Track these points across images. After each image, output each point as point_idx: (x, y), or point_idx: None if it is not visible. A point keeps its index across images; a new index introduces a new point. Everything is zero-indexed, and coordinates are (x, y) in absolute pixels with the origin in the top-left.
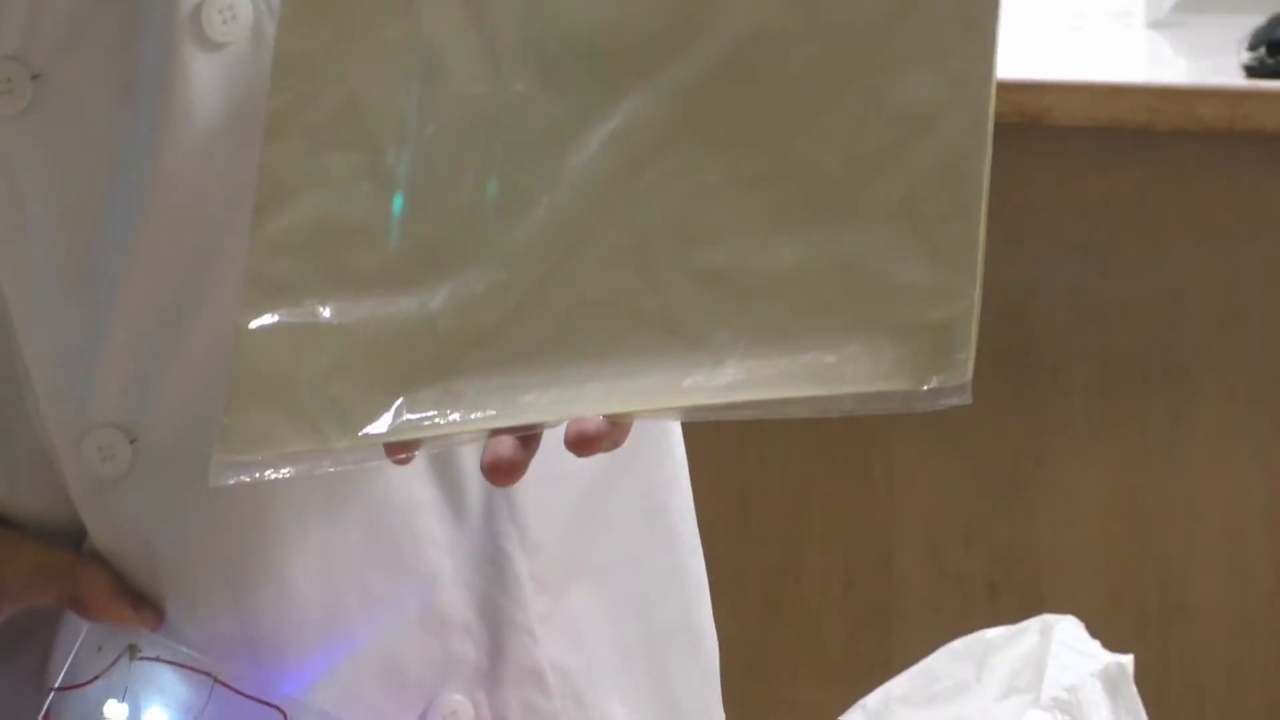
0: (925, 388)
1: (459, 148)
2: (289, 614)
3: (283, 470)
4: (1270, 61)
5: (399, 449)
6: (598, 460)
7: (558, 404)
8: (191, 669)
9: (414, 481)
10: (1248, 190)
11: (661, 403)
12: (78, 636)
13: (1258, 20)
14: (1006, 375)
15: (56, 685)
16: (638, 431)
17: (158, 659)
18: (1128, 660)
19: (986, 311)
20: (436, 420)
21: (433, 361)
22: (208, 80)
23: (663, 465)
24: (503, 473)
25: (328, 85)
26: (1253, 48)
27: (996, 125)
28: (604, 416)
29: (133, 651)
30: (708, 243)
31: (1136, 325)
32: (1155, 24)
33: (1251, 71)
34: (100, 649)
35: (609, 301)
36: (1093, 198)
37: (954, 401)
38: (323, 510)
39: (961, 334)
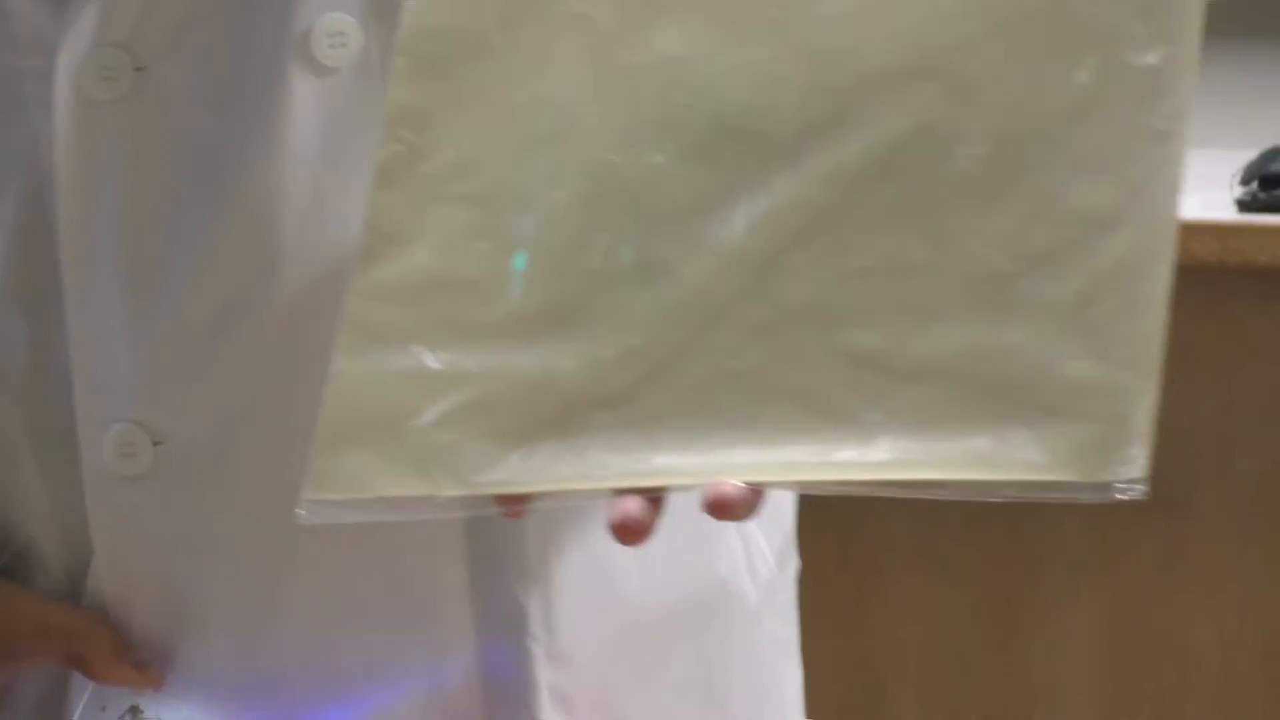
0: (1098, 480)
1: (589, 213)
2: (288, 652)
3: (379, 515)
4: (1263, 196)
5: (513, 501)
6: (658, 610)
7: (698, 469)
8: None
9: (446, 559)
10: (1239, 324)
11: (811, 475)
12: (83, 696)
13: (1250, 155)
14: (1000, 507)
15: None
16: (708, 605)
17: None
18: None
19: None
20: (562, 474)
21: (556, 418)
22: (308, 103)
23: (727, 651)
24: (633, 532)
25: (443, 140)
26: (1245, 182)
27: None
28: (748, 484)
29: (135, 712)
30: (859, 324)
31: None
32: None
33: (1244, 206)
34: (104, 709)
35: (751, 374)
36: None
37: (1129, 496)
38: (343, 560)
39: (1138, 428)
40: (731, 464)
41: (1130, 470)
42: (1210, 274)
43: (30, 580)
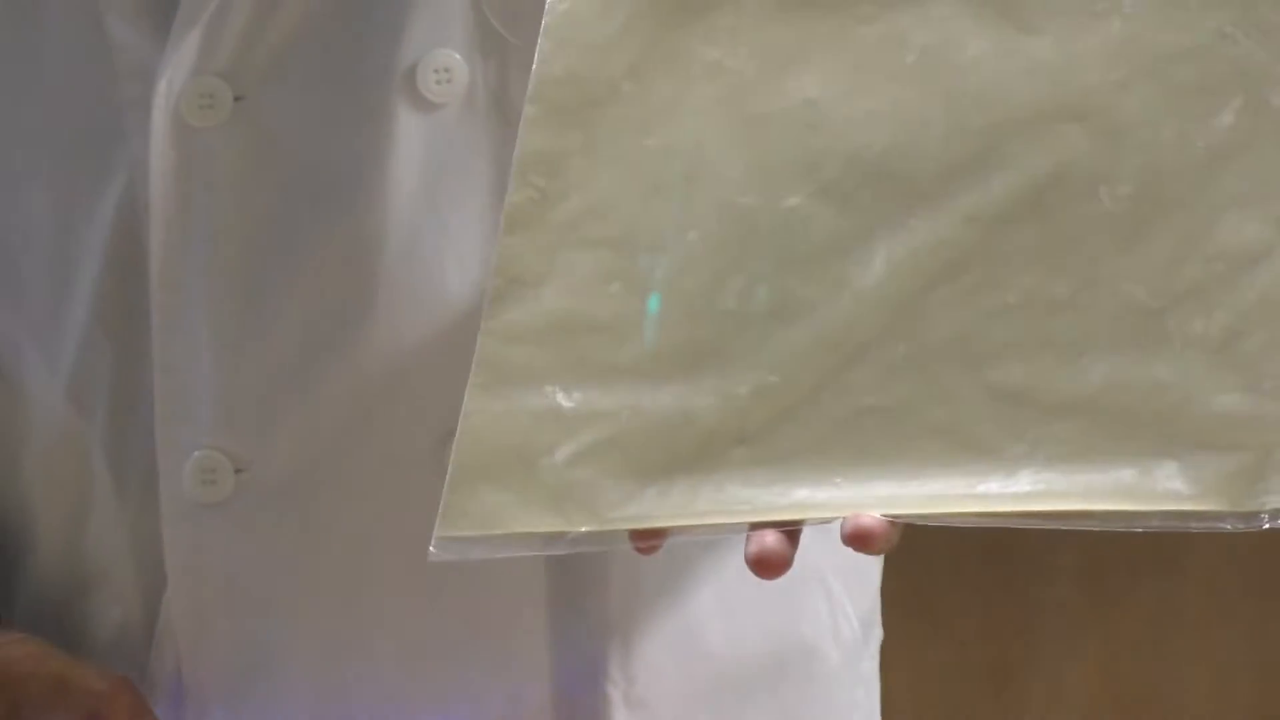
0: (1245, 510)
1: (724, 254)
2: (361, 689)
3: (510, 550)
4: None
5: (648, 535)
6: (738, 663)
7: (837, 502)
8: None
9: (525, 600)
10: None
11: (954, 507)
12: None
13: None
14: (994, 563)
15: None
16: (789, 662)
17: None
18: None
19: None
20: (699, 508)
21: (692, 454)
22: (411, 139)
23: (806, 711)
24: (772, 566)
25: (574, 186)
26: None
27: None
28: (888, 518)
29: None
30: (1003, 360)
31: None
32: None
33: None
34: None
35: (890, 410)
36: None
37: (1276, 525)
38: (420, 596)
39: None
40: (871, 497)
41: (1278, 499)
42: None
43: (106, 613)
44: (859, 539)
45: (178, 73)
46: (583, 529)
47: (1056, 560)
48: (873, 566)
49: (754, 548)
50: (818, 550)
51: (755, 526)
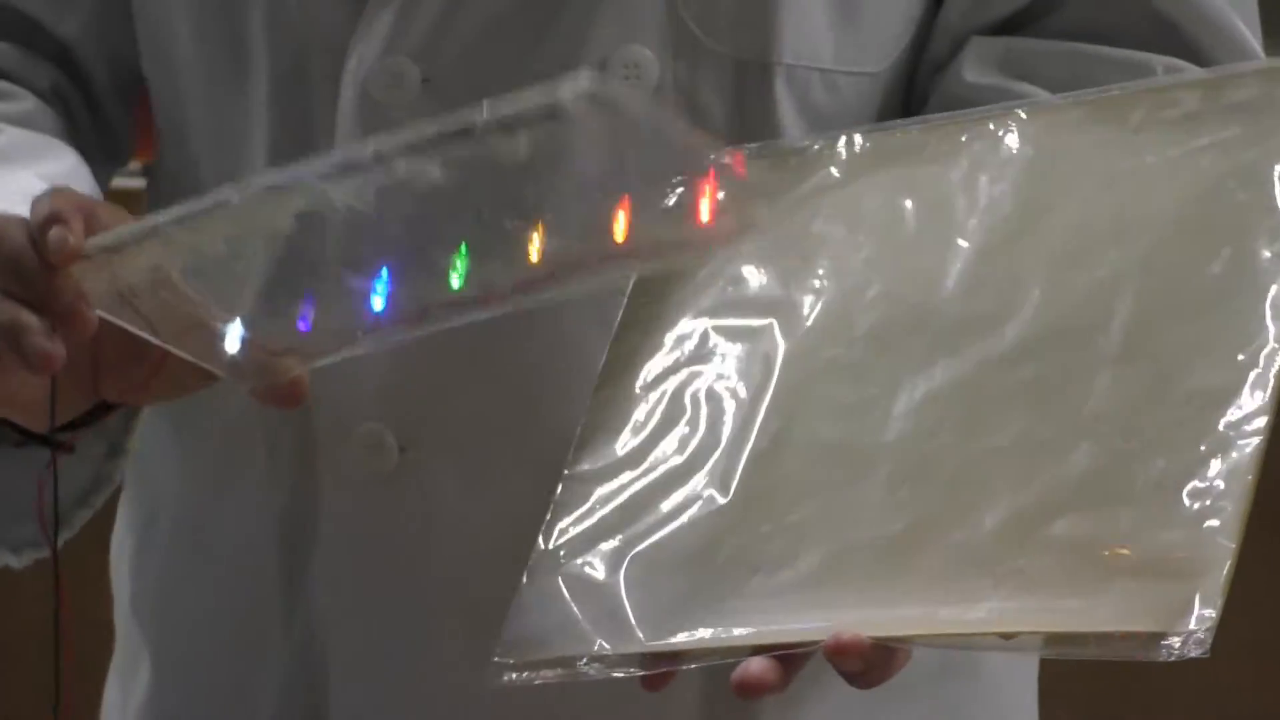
0: (1168, 638)
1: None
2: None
3: (549, 674)
4: None
5: (659, 662)
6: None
7: (817, 628)
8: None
9: None
10: None
11: (914, 629)
12: None
13: None
14: None
15: None
16: (953, 663)
17: None
18: None
19: None
20: (701, 635)
21: (710, 586)
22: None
23: (968, 711)
24: (749, 689)
25: None
26: None
27: None
28: (867, 640)
29: None
30: (988, 503)
31: None
32: None
33: None
34: None
35: (877, 549)
36: None
37: (1190, 654)
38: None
39: (1211, 593)
40: (844, 621)
41: (1198, 629)
42: None
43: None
44: (834, 652)
45: (369, 50)
46: (603, 654)
47: None
48: None
49: (737, 673)
50: None
51: (754, 652)
